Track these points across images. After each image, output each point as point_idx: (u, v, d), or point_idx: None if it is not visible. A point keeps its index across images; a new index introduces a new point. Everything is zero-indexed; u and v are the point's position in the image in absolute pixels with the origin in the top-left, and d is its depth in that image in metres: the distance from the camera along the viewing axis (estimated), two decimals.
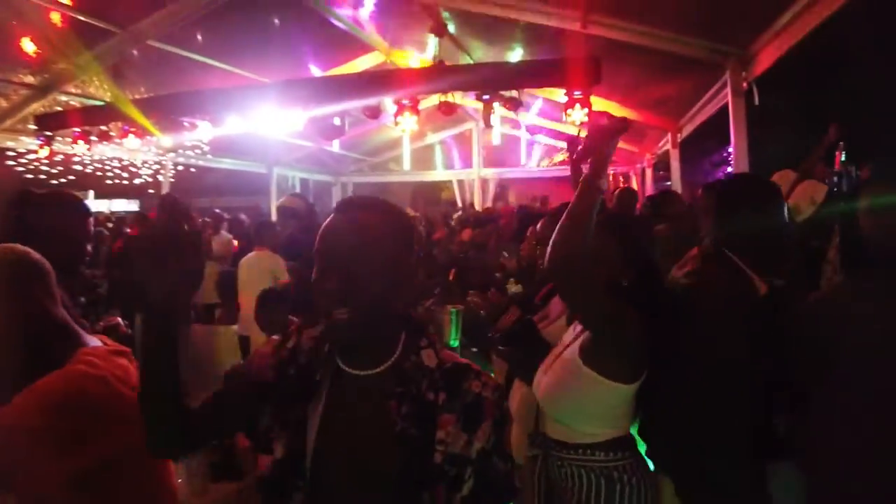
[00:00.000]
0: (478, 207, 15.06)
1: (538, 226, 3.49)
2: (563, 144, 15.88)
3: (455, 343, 5.40)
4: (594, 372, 2.21)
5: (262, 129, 9.32)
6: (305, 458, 1.55)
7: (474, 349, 5.40)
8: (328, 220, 1.59)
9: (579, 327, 2.41)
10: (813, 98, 16.66)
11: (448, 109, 7.96)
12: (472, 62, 9.60)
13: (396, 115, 7.65)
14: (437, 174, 18.61)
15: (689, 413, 2.30)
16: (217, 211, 9.72)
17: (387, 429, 1.51)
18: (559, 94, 7.02)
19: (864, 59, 15.69)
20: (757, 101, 6.70)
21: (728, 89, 6.94)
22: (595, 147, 2.14)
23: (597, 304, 2.19)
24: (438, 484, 1.49)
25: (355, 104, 8.17)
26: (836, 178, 5.89)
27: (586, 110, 6.61)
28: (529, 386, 2.63)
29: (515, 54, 9.67)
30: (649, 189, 13.00)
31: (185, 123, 8.68)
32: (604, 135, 2.14)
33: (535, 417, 2.51)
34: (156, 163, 13.80)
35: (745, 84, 6.79)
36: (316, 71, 10.57)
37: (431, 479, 1.49)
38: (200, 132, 8.78)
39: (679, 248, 5.64)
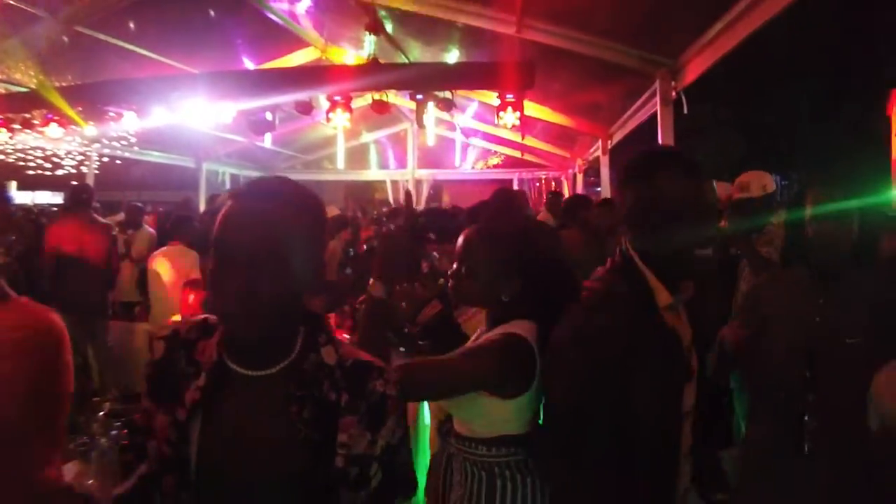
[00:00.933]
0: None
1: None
2: (498, 148, 16.05)
3: None
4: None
5: (191, 121, 9.11)
6: (186, 468, 1.44)
7: (402, 349, 5.38)
8: (229, 206, 1.39)
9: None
10: (739, 108, 17.20)
11: (381, 108, 7.92)
12: (408, 62, 9.58)
13: (329, 111, 7.58)
14: (372, 174, 18.54)
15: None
16: (138, 204, 9.37)
17: (287, 434, 1.41)
18: (494, 97, 7.05)
19: (789, 72, 16.26)
20: (685, 110, 6.83)
21: (657, 98, 7.05)
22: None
23: (449, 389, 2.11)
24: (339, 486, 1.42)
25: (287, 99, 8.06)
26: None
27: (518, 113, 6.67)
28: None
29: (452, 56, 9.67)
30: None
31: (111, 113, 8.42)
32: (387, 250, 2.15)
33: None
34: (80, 153, 13.36)
35: (674, 93, 6.91)
36: (249, 64, 10.40)
37: (333, 482, 1.42)
38: (126, 122, 8.52)
39: (592, 255, 5.74)
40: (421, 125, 7.88)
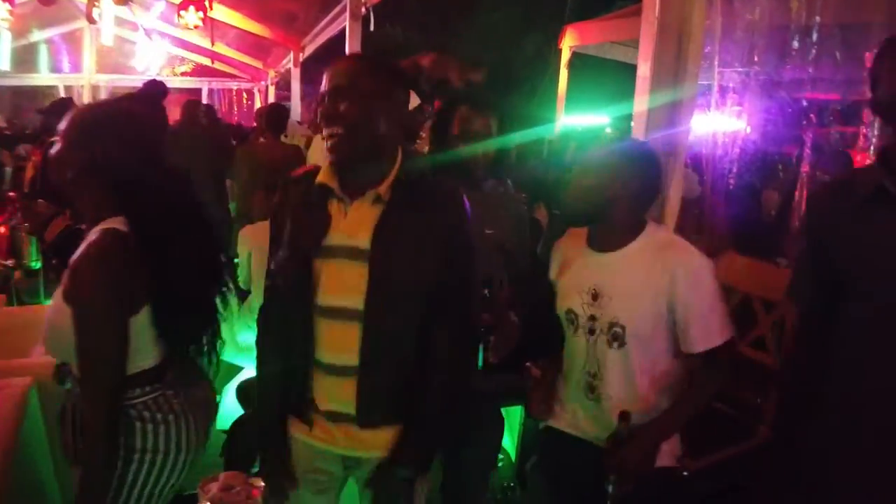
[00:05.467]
0: None
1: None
2: (187, 54, 15.17)
3: (37, 265, 4.89)
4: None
5: None
6: None
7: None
8: None
9: None
10: (430, 35, 17.81)
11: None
12: None
13: None
14: (42, 78, 16.49)
15: None
16: None
17: None
18: None
19: (480, 3, 17.14)
20: (372, 27, 6.97)
21: (347, 12, 7.12)
22: None
23: (117, 347, 1.85)
24: None
25: None
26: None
27: (201, 14, 6.34)
28: None
29: None
30: None
31: None
32: None
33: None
34: None
35: (363, 9, 7.03)
36: None
37: None
38: None
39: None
40: (91, 21, 7.21)
